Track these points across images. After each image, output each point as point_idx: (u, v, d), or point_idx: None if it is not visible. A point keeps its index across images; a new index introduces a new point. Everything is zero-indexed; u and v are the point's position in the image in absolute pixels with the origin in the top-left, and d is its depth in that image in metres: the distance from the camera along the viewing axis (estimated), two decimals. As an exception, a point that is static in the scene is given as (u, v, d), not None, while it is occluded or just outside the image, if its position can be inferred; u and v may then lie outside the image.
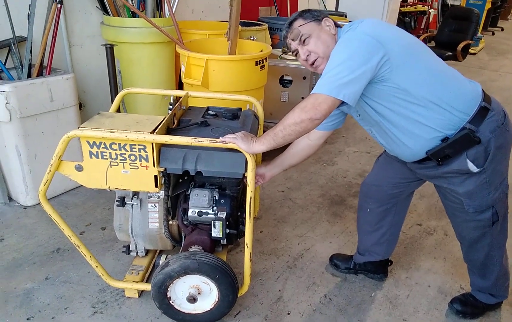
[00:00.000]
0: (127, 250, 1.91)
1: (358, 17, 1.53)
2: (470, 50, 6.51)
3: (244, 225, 1.67)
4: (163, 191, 1.70)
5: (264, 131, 1.52)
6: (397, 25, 6.88)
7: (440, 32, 6.28)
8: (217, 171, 1.56)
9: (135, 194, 1.79)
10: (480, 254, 1.72)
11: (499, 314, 1.91)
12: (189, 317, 1.72)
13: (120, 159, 1.52)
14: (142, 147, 1.49)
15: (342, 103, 1.34)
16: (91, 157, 1.52)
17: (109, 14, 2.89)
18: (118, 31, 2.81)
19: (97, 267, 1.75)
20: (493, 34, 11.32)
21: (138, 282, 1.83)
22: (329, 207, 2.73)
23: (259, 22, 4.16)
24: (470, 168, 1.48)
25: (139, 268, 1.89)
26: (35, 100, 2.29)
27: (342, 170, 3.28)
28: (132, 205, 1.79)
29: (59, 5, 2.45)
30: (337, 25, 1.56)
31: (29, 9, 2.38)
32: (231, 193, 1.76)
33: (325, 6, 6.40)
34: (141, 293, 1.88)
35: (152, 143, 1.48)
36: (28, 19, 2.38)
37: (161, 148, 1.55)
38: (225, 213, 1.71)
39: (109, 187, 1.57)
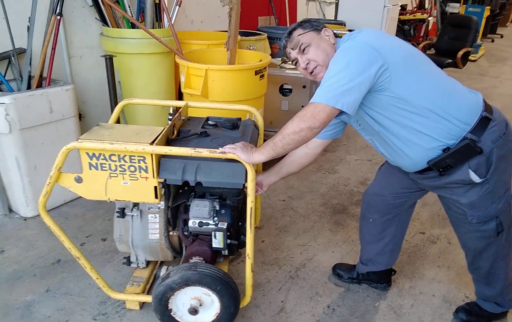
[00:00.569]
0: (128, 261, 1.89)
1: (357, 26, 1.53)
2: (470, 57, 6.52)
3: (245, 235, 1.66)
4: (163, 202, 1.68)
5: (264, 140, 1.51)
6: (396, 33, 6.93)
7: (439, 39, 6.30)
8: (217, 181, 1.55)
9: (135, 205, 1.78)
10: (485, 264, 1.69)
11: (505, 324, 1.88)
12: (190, 330, 1.70)
13: (120, 171, 1.51)
14: (142, 158, 1.49)
15: (341, 112, 1.34)
16: (90, 169, 1.51)
17: (108, 26, 2.90)
18: (117, 42, 2.82)
19: (97, 279, 1.73)
20: (492, 41, 11.35)
21: (139, 293, 1.81)
22: (331, 216, 2.71)
23: (258, 32, 4.18)
24: (472, 178, 1.46)
25: (140, 280, 1.87)
26: (35, 111, 2.29)
27: (343, 178, 3.26)
28: (132, 216, 1.78)
29: (58, 17, 2.47)
30: (336, 36, 1.56)
31: (28, 21, 2.40)
32: (231, 203, 1.75)
33: (324, 15, 6.44)
34: (142, 304, 1.86)
35: (152, 154, 1.48)
36: (28, 31, 2.39)
37: (161, 159, 1.54)
38: (226, 223, 1.69)
39: (108, 198, 1.56)
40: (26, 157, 2.33)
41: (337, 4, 6.45)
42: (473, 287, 1.87)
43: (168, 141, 1.65)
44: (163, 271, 1.75)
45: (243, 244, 1.76)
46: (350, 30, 1.59)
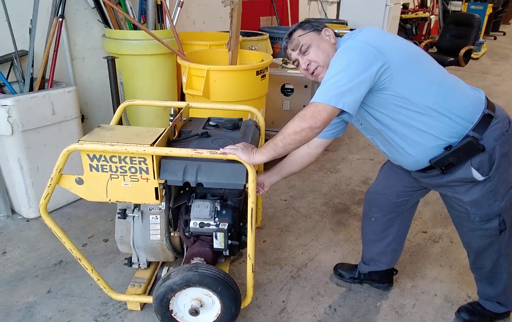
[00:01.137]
0: (129, 262, 1.89)
1: (359, 25, 1.53)
2: (472, 55, 6.50)
3: (246, 236, 1.66)
4: (164, 203, 1.69)
5: (266, 140, 1.51)
6: (398, 32, 6.90)
7: (441, 38, 6.27)
8: (217, 182, 1.55)
9: (137, 206, 1.79)
10: (488, 263, 1.69)
11: (507, 323, 1.88)
12: (191, 330, 1.70)
13: (121, 172, 1.52)
14: (142, 159, 1.49)
15: (342, 111, 1.33)
16: (91, 170, 1.51)
17: (110, 27, 2.91)
18: (120, 44, 2.82)
19: (98, 280, 1.74)
20: (495, 38, 11.30)
21: (140, 294, 1.82)
22: (332, 215, 2.71)
23: (260, 32, 4.18)
24: (475, 176, 1.46)
25: (141, 281, 1.88)
26: (37, 113, 2.30)
27: (345, 177, 3.26)
28: (134, 217, 1.78)
29: (60, 19, 2.48)
30: (337, 35, 1.55)
31: (30, 23, 2.40)
32: (232, 204, 1.75)
33: (326, 15, 6.43)
34: (143, 305, 1.86)
35: (152, 156, 1.48)
36: (30, 33, 2.40)
37: (161, 160, 1.54)
38: (227, 224, 1.69)
39: (109, 200, 1.57)
40: (29, 159, 2.34)
41: (338, 4, 6.44)
42: (476, 287, 1.86)
43: (169, 143, 1.65)
44: (164, 272, 1.76)
45: (244, 245, 1.76)
46: (352, 30, 1.59)
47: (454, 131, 1.43)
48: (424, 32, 8.77)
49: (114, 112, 2.54)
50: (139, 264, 1.91)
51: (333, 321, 1.86)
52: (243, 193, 1.76)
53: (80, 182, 1.54)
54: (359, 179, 3.23)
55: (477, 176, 1.45)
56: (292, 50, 1.56)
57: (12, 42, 2.40)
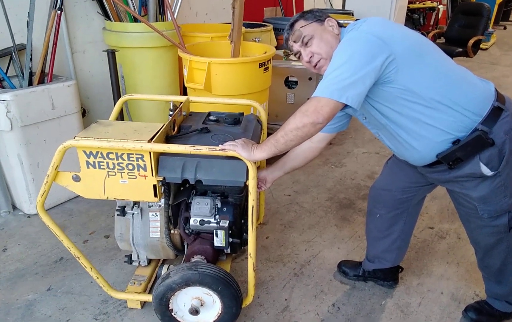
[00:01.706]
0: (129, 259, 1.87)
1: (366, 15, 1.46)
2: (481, 46, 6.37)
3: (247, 233, 1.62)
4: (163, 200, 1.65)
5: (268, 134, 1.47)
6: (406, 22, 6.78)
7: (450, 28, 6.14)
8: (217, 179, 1.51)
9: (136, 203, 1.75)
10: (496, 261, 1.63)
11: (516, 323, 1.82)
12: (192, 329, 1.67)
13: (118, 169, 1.48)
14: (140, 156, 1.45)
15: (346, 106, 1.28)
16: (88, 167, 1.48)
17: (110, 19, 2.86)
18: (120, 36, 2.78)
19: (98, 278, 1.71)
20: (505, 28, 11.08)
21: (140, 293, 1.79)
22: (337, 211, 2.66)
23: (263, 23, 4.11)
24: (483, 172, 1.40)
25: (142, 278, 1.85)
26: (36, 108, 2.28)
27: (350, 171, 3.20)
28: (133, 214, 1.75)
29: (59, 12, 2.44)
30: (340, 25, 1.50)
31: (28, 16, 2.36)
32: (234, 201, 1.71)
33: (331, 5, 6.32)
34: (144, 303, 1.84)
35: (150, 152, 1.44)
36: (27, 26, 2.36)
37: (160, 157, 1.50)
38: (228, 222, 1.66)
39: (107, 197, 1.53)
40: (29, 154, 2.32)
41: (344, -7, 6.32)
42: (484, 285, 1.81)
43: (168, 138, 1.61)
44: (164, 270, 1.73)
45: (246, 242, 1.73)
46: (357, 20, 1.54)
47: (462, 125, 1.38)
48: (432, 22, 8.61)
49: (115, 106, 2.51)
50: (139, 262, 1.88)
51: (337, 320, 1.83)
52: (245, 190, 1.72)
53: (77, 179, 1.51)
54: (364, 173, 3.17)
55: (486, 171, 1.40)
56: (294, 42, 1.50)
57: (10, 36, 2.36)
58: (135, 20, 2.88)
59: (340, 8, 6.29)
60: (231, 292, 1.58)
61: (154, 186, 1.51)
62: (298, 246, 2.30)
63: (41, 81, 2.43)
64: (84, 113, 3.00)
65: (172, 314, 1.64)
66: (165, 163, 1.50)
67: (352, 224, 2.52)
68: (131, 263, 1.87)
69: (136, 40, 2.78)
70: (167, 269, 1.71)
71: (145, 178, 1.49)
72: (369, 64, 1.26)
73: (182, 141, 1.59)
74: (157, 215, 1.75)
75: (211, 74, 2.44)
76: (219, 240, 1.67)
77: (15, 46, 2.38)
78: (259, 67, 2.55)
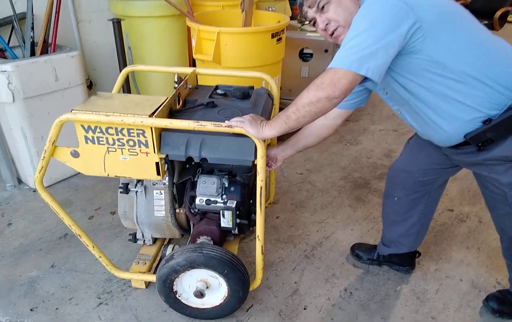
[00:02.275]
0: (134, 238, 1.80)
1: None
2: (508, 18, 6.00)
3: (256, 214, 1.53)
4: (167, 178, 1.57)
5: (281, 110, 1.35)
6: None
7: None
8: (223, 157, 1.41)
9: (139, 180, 1.67)
10: None
11: (541, 315, 1.71)
12: (197, 312, 1.62)
13: (118, 145, 1.39)
14: (141, 132, 1.36)
15: (366, 79, 1.15)
16: (86, 142, 1.40)
17: (117, -14, 2.73)
18: (126, 5, 2.66)
19: (100, 257, 1.66)
20: (534, -1, 10.47)
21: (144, 272, 1.73)
22: (351, 191, 2.55)
23: (278, -8, 3.91)
24: None
25: (146, 258, 1.79)
26: (39, 79, 2.19)
27: (366, 150, 3.06)
28: (136, 192, 1.68)
29: (61, -23, 2.32)
30: None
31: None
32: (242, 180, 1.61)
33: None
34: (148, 283, 1.79)
35: (151, 128, 1.35)
36: (28, -8, 2.26)
37: (162, 132, 1.41)
38: (235, 202, 1.57)
39: (107, 174, 1.45)
40: (32, 127, 2.26)
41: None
42: (507, 273, 1.69)
43: (172, 113, 1.51)
44: (168, 251, 1.67)
45: (254, 223, 1.63)
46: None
47: (496, 103, 1.24)
48: (456, -8, 8.17)
49: (122, 79, 2.42)
50: (144, 240, 1.82)
51: (349, 305, 1.74)
52: (253, 168, 1.61)
53: (75, 154, 1.43)
54: (381, 152, 3.03)
55: None
56: (309, 7, 1.36)
57: (10, 3, 2.26)
58: (142, -13, 2.74)
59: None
60: (237, 276, 1.51)
61: (157, 164, 1.42)
62: (309, 227, 2.21)
63: (44, 52, 2.34)
64: (90, 85, 2.92)
65: (177, 296, 1.58)
66: (167, 139, 1.41)
67: (367, 204, 2.41)
68: (135, 242, 1.81)
69: (142, 8, 2.65)
70: (172, 250, 1.65)
71: (146, 155, 1.40)
72: (392, 32, 1.13)
73: (187, 116, 1.49)
74: (161, 193, 1.67)
75: (220, 45, 2.31)
76: (226, 221, 1.59)
77: (16, 15, 2.28)
78: (272, 38, 2.41)
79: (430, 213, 1.79)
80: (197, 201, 1.59)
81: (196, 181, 1.60)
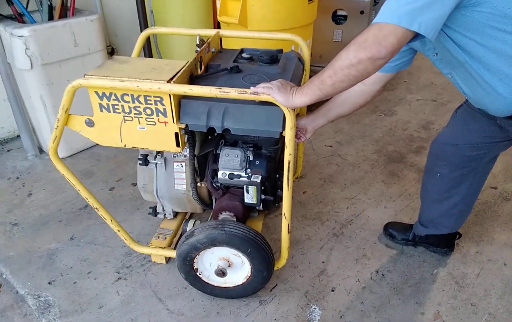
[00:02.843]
0: (154, 212, 1.74)
1: None
2: None
3: (282, 190, 1.41)
4: (188, 149, 1.46)
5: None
6: None
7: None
8: (248, 128, 1.29)
9: (159, 152, 1.58)
10: None
11: None
12: (218, 291, 1.55)
13: (135, 114, 1.29)
14: (159, 99, 1.24)
15: (416, 36, 0.98)
16: (101, 110, 1.30)
17: None
18: (148, -35, 2.51)
19: (119, 231, 1.59)
20: None
21: (164, 248, 1.67)
22: (385, 165, 2.38)
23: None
24: None
25: (167, 232, 1.72)
26: (57, 45, 2.11)
27: (402, 121, 2.86)
28: (156, 164, 1.59)
29: None
30: None
31: None
32: (267, 153, 1.49)
33: None
34: (169, 258, 1.72)
35: (170, 95, 1.23)
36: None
37: (181, 100, 1.29)
38: (260, 177, 1.45)
39: (124, 145, 1.36)
40: (51, 95, 2.20)
41: None
42: None
43: (192, 79, 1.38)
44: (189, 226, 1.58)
45: (280, 199, 1.53)
46: None
47: None
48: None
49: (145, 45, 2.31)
50: (165, 214, 1.74)
51: (380, 288, 1.63)
52: (281, 141, 1.48)
53: (90, 123, 1.34)
54: (418, 123, 2.83)
55: None
56: None
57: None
58: None
59: None
60: (261, 255, 1.41)
61: (176, 134, 1.31)
62: (338, 203, 2.08)
63: (63, 16, 2.25)
64: (112, 52, 2.83)
65: (197, 274, 1.50)
66: (187, 107, 1.29)
67: (402, 180, 2.25)
68: (155, 215, 1.75)
69: (165, -32, 2.50)
70: (193, 225, 1.56)
71: (165, 125, 1.30)
72: None
73: (208, 82, 1.36)
74: (182, 166, 1.58)
75: (247, 6, 2.16)
76: (250, 197, 1.48)
77: (34, -24, 2.19)
78: (303, -3, 2.22)
79: (475, 192, 1.62)
80: (219, 174, 1.48)
81: (219, 154, 1.49)
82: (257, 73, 1.43)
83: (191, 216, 1.84)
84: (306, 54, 1.70)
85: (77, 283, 1.64)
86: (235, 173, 1.47)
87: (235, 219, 1.51)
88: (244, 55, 1.59)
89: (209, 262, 1.50)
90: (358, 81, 1.08)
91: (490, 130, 1.40)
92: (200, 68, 1.49)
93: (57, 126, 1.32)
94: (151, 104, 1.26)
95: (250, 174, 1.46)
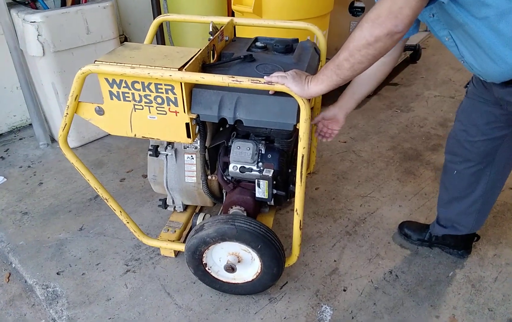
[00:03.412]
0: (164, 204, 1.71)
1: None
2: None
3: (295, 185, 1.36)
4: (199, 141, 1.42)
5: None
6: None
7: None
8: (261, 120, 1.24)
9: (170, 143, 1.55)
10: None
11: None
12: (227, 287, 1.51)
13: (145, 102, 1.26)
14: (170, 87, 1.21)
15: (430, 1, 0.94)
16: (111, 98, 1.27)
17: None
18: (162, -48, 2.47)
19: (128, 223, 1.57)
20: None
21: (173, 241, 1.64)
22: (400, 163, 2.31)
23: None
24: None
25: (176, 225, 1.69)
26: (70, 32, 2.09)
27: (419, 117, 2.79)
28: (167, 155, 1.55)
29: None
30: None
31: None
32: (280, 146, 1.44)
33: None
34: (178, 252, 1.69)
35: (181, 83, 1.19)
36: None
37: (193, 89, 1.25)
38: (272, 171, 1.41)
39: (134, 135, 1.33)
40: (63, 83, 2.18)
41: None
42: None
43: (205, 67, 1.34)
44: (199, 220, 1.55)
45: (292, 194, 1.48)
46: None
47: None
48: None
49: (158, 33, 2.27)
50: (175, 207, 1.71)
51: (394, 290, 1.57)
52: (294, 134, 1.43)
53: (100, 111, 1.31)
54: (435, 120, 2.75)
55: None
56: None
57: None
58: None
59: None
60: (272, 252, 1.37)
61: (187, 125, 1.28)
62: (352, 201, 2.03)
63: (76, 2, 2.23)
64: (125, 40, 2.80)
65: (206, 268, 1.47)
66: (199, 97, 1.25)
67: (418, 178, 2.18)
68: (165, 208, 1.72)
69: (179, -44, 2.46)
70: (203, 219, 1.53)
71: (176, 114, 1.26)
72: None
73: (221, 71, 1.31)
74: (193, 158, 1.54)
75: (262, -5, 2.10)
76: (262, 191, 1.43)
77: (47, -38, 2.17)
78: (320, -14, 2.16)
79: (495, 189, 1.55)
80: (230, 167, 1.44)
81: (230, 146, 1.45)
82: (271, 63, 1.38)
83: (201, 209, 1.81)
84: (322, 44, 1.65)
85: (85, 274, 1.63)
86: (247, 166, 1.43)
87: (245, 214, 1.47)
88: (258, 44, 1.55)
89: (218, 257, 1.46)
90: (377, 60, 1.03)
91: (493, 115, 1.35)
92: (213, 57, 1.45)
93: (67, 113, 1.29)
94: (162, 92, 1.23)
95: (262, 168, 1.42)
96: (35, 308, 1.51)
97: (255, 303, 1.51)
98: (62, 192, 2.07)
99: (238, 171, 1.43)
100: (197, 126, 1.33)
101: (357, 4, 2.82)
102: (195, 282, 1.57)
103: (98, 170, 2.20)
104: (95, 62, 1.22)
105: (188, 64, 1.21)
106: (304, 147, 1.21)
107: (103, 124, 1.34)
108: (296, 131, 1.24)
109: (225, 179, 1.52)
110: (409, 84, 3.25)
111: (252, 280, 1.47)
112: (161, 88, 1.22)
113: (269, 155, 1.43)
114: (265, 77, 1.15)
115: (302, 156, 1.22)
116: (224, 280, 1.50)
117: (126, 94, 1.25)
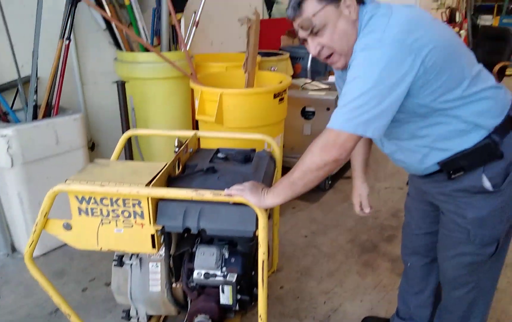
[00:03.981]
0: (127, 316, 1.67)
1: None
2: (506, 72, 6.08)
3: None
4: (163, 249, 1.47)
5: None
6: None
7: (473, 53, 5.90)
8: (223, 228, 1.33)
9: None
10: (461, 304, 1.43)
11: None
12: None
13: (113, 216, 1.32)
14: (137, 202, 1.29)
15: None
16: (80, 214, 1.33)
17: (122, 50, 2.78)
18: (131, 67, 2.69)
19: (90, 337, 1.53)
20: (532, 54, 10.70)
21: (137, 354, 1.59)
22: (359, 255, 2.42)
23: (280, 52, 4.00)
24: (484, 185, 1.21)
25: (140, 336, 1.66)
26: (40, 143, 2.16)
27: (372, 209, 2.93)
28: (131, 264, 1.58)
29: (67, 42, 2.36)
30: (359, 1, 1.18)
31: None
32: (243, 250, 1.51)
33: None
34: (142, 364, 1.63)
35: (148, 198, 1.28)
36: (32, 57, 2.27)
37: (159, 202, 1.33)
38: (236, 275, 1.46)
39: (100, 248, 1.37)
40: (30, 193, 2.19)
41: None
42: None
43: (170, 180, 1.45)
44: (163, 330, 1.54)
45: (256, 298, 1.51)
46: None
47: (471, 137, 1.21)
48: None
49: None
50: (138, 318, 1.69)
51: None
52: (256, 237, 1.52)
53: (68, 227, 1.35)
54: (388, 212, 2.92)
55: (487, 185, 1.21)
56: (301, 27, 1.21)
57: (16, 68, 2.28)
58: (147, 50, 2.79)
59: None
60: (238, 360, 1.37)
61: (152, 236, 1.34)
62: (316, 298, 2.07)
63: (47, 115, 2.33)
64: (93, 146, 2.90)
65: None
66: (164, 209, 1.34)
67: (376, 271, 2.28)
68: (129, 320, 1.68)
69: (147, 70, 2.68)
70: (167, 328, 1.52)
71: (142, 227, 1.32)
72: (398, 87, 1.08)
73: (185, 183, 1.42)
74: (158, 266, 1.57)
75: (223, 106, 2.30)
76: (226, 297, 1.47)
77: (20, 78, 2.29)
78: (274, 98, 2.40)
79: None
80: (195, 274, 1.48)
81: (195, 252, 1.50)
82: (231, 173, 1.50)
83: (165, 319, 1.79)
84: (277, 152, 1.81)
85: None
86: (211, 272, 1.47)
87: None
88: (219, 155, 1.69)
89: (184, 368, 1.44)
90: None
91: (426, 210, 1.51)
92: (178, 168, 1.57)
93: (35, 230, 1.32)
94: (130, 207, 1.30)
95: (225, 272, 1.47)
96: None
97: None
98: (20, 307, 1.98)
99: (202, 277, 1.47)
100: (162, 236, 1.39)
101: (308, 109, 3.11)
102: None
103: (59, 280, 2.13)
104: (66, 181, 1.30)
105: (155, 180, 1.31)
106: (264, 253, 1.29)
107: (70, 239, 1.37)
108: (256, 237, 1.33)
109: (190, 286, 1.55)
110: (362, 178, 3.48)
111: None
112: (129, 203, 1.30)
113: (233, 259, 1.48)
114: (225, 190, 1.27)
115: (263, 262, 1.30)
116: None
117: (94, 210, 1.32)
